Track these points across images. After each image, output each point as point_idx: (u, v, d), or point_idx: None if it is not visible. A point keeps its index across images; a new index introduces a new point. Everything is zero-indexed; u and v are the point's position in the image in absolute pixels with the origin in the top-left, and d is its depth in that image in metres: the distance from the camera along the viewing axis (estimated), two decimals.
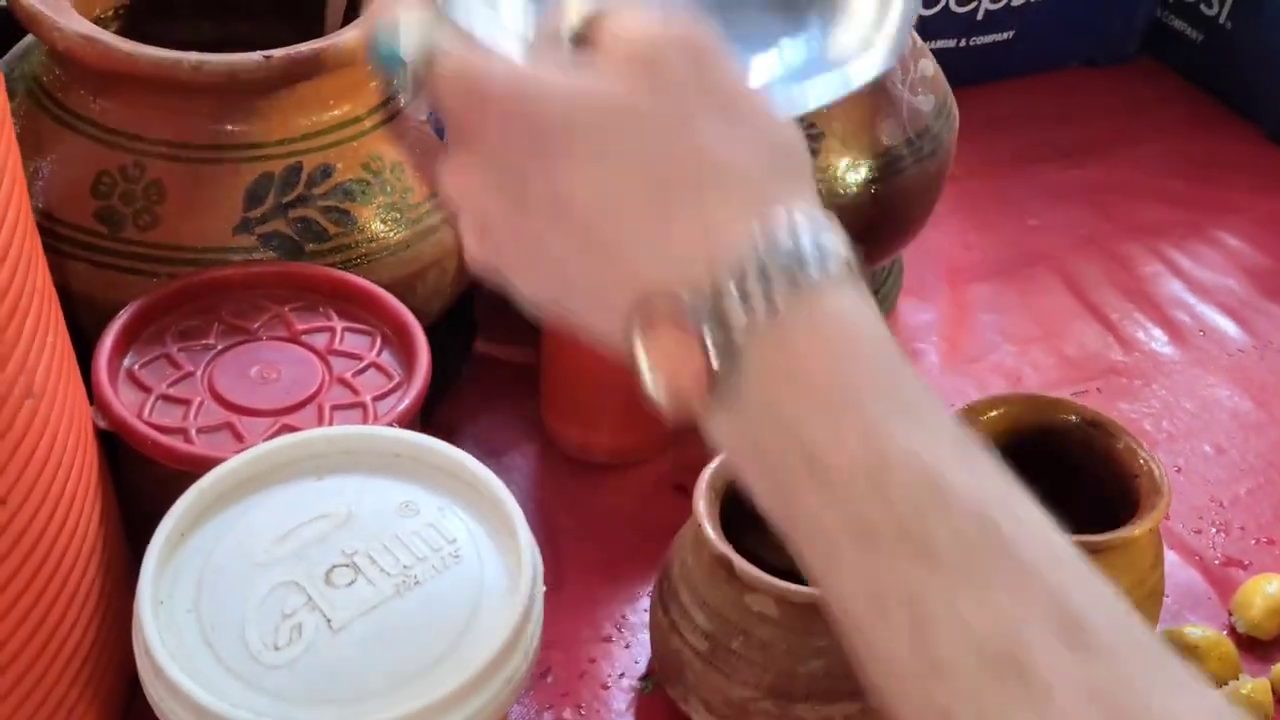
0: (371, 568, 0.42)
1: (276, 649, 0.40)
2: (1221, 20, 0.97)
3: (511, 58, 0.35)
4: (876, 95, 0.65)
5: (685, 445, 0.67)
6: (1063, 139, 0.94)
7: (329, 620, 0.40)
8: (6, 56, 0.59)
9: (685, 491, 0.65)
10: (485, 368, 0.70)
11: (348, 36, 0.55)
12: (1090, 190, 0.89)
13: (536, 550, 0.43)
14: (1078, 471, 0.58)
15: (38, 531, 0.40)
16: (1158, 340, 0.77)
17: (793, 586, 0.48)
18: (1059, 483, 0.58)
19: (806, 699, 0.49)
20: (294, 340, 0.53)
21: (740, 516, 0.53)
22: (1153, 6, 1.01)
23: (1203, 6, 0.98)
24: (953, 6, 0.94)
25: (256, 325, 0.53)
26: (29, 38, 0.58)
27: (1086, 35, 1.00)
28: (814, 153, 0.64)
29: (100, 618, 0.45)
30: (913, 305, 0.78)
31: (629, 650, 0.57)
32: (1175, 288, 0.81)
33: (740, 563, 0.48)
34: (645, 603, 0.59)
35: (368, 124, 0.57)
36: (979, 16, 0.94)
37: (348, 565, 0.42)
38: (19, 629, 0.40)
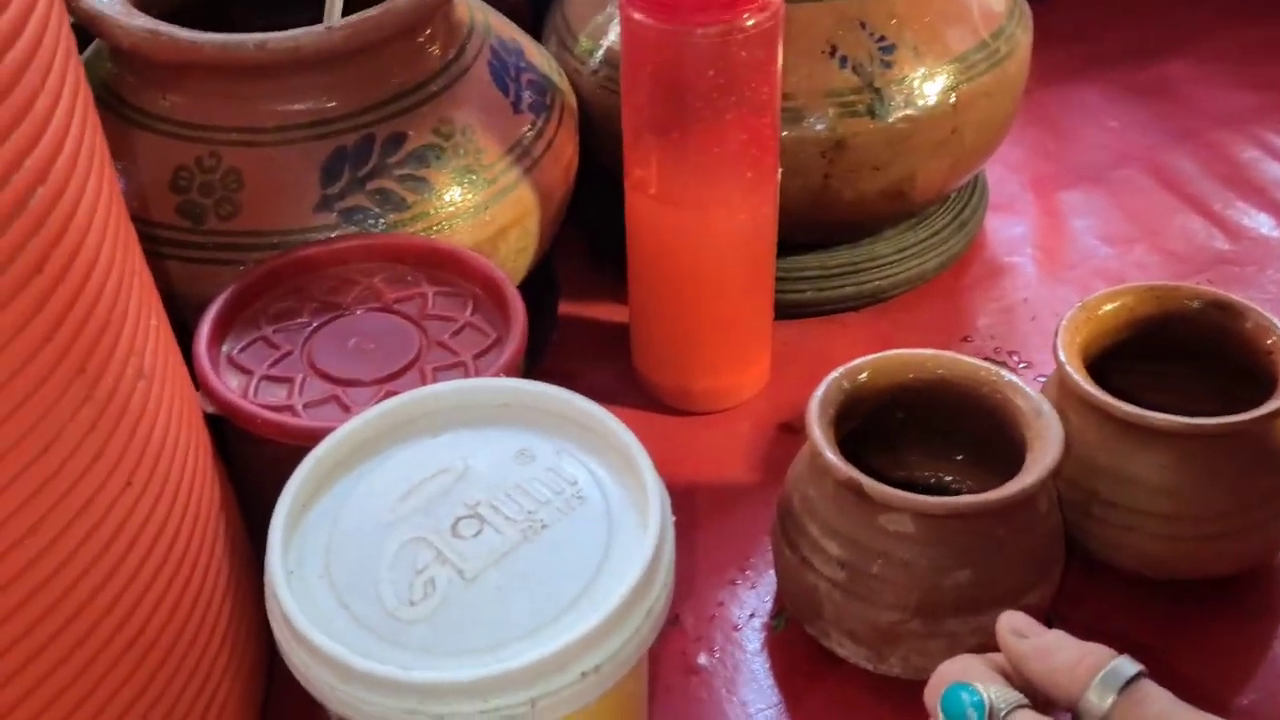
0: (496, 516, 0.41)
1: (412, 604, 0.39)
2: None
3: None
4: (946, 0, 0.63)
5: (783, 382, 0.65)
6: (1131, 39, 0.91)
7: (461, 571, 0.39)
8: None
9: (790, 428, 0.63)
10: (571, 329, 0.69)
11: (407, 1, 0.54)
12: (1169, 85, 0.86)
13: (660, 479, 0.41)
14: (1204, 358, 0.55)
15: (163, 515, 0.40)
16: (1265, 225, 0.74)
17: (929, 499, 0.46)
18: (1187, 371, 0.56)
19: (956, 612, 0.47)
20: (387, 309, 0.52)
21: (855, 441, 0.52)
22: None
23: None
24: None
25: (348, 299, 0.53)
26: (93, 46, 0.58)
27: None
28: (888, 65, 0.62)
29: (232, 599, 0.45)
30: (1002, 221, 0.76)
31: (755, 590, 0.56)
32: (1275, 170, 0.77)
33: (870, 483, 0.47)
34: (767, 542, 0.57)
35: (434, 88, 0.57)
36: None
37: (472, 516, 0.41)
38: (155, 612, 0.40)
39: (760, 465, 0.62)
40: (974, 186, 0.75)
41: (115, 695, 0.38)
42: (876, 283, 0.69)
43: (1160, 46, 0.89)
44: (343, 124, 0.55)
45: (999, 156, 0.77)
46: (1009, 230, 0.75)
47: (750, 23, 0.53)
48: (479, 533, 0.41)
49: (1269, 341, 0.52)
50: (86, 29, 0.54)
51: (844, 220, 0.66)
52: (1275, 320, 0.52)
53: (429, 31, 0.57)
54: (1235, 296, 0.54)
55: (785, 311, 0.67)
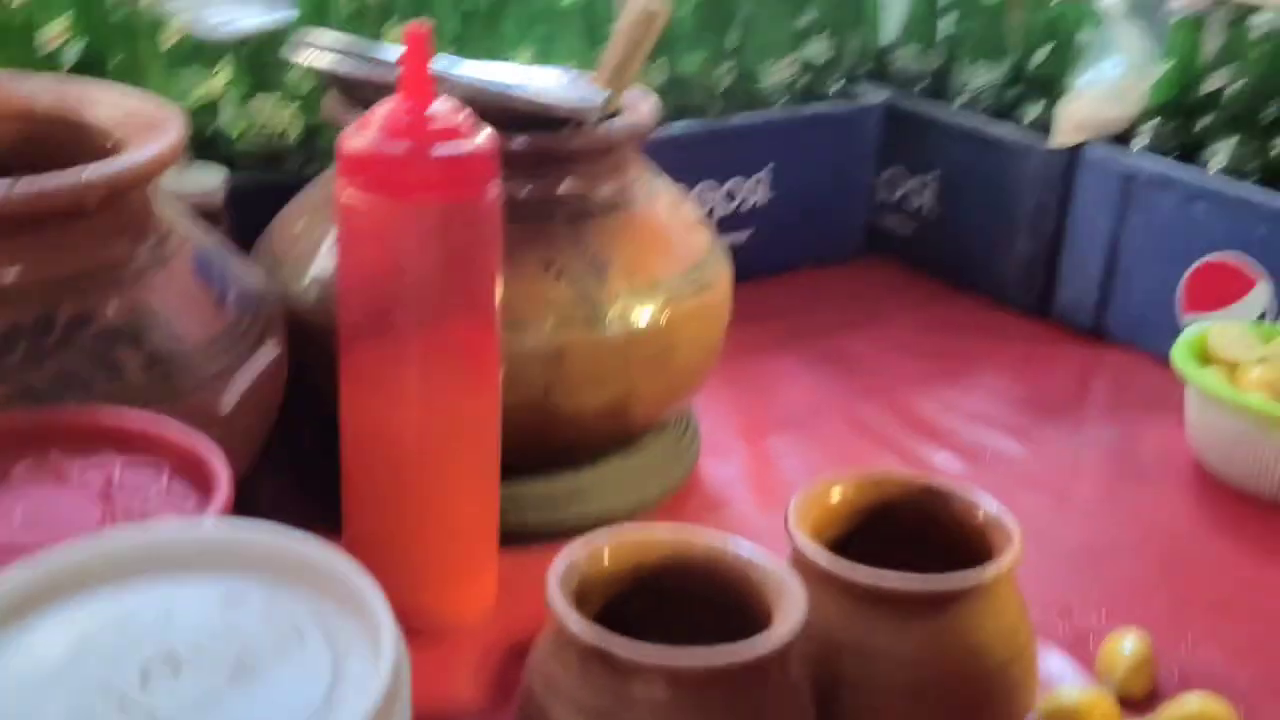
0: (198, 657, 0.34)
1: None
2: (924, 211, 1.06)
3: None
4: (656, 232, 0.67)
5: (511, 609, 0.61)
6: (819, 322, 0.98)
7: None
8: None
9: (520, 653, 0.58)
10: None
11: (108, 170, 0.51)
12: (855, 357, 0.92)
13: (391, 618, 0.36)
14: (927, 545, 0.56)
15: None
16: (950, 462, 0.78)
17: (682, 653, 0.43)
18: (912, 558, 0.57)
19: None
20: (62, 482, 0.45)
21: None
22: (863, 210, 1.09)
23: (910, 200, 1.07)
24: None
25: (15, 471, 0.45)
26: None
27: (811, 238, 1.06)
28: (602, 281, 0.63)
29: None
30: (715, 463, 0.77)
31: None
32: (954, 419, 0.84)
33: (620, 642, 0.43)
34: None
35: (125, 274, 0.53)
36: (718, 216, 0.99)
37: (165, 663, 0.34)
38: None
39: (489, 688, 0.56)
40: (687, 423, 0.76)
41: None
42: (599, 509, 0.67)
43: (844, 330, 0.97)
44: (20, 298, 0.49)
45: (708, 410, 0.79)
46: (722, 470, 0.76)
47: (468, 204, 0.53)
48: (175, 678, 0.34)
49: (978, 517, 0.54)
50: None
51: (566, 439, 0.65)
52: (981, 500, 0.54)
53: (111, 216, 0.53)
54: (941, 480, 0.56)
55: (512, 539, 0.63)
